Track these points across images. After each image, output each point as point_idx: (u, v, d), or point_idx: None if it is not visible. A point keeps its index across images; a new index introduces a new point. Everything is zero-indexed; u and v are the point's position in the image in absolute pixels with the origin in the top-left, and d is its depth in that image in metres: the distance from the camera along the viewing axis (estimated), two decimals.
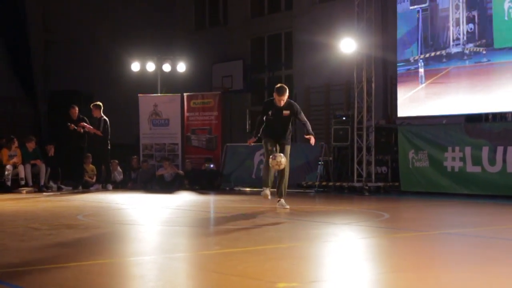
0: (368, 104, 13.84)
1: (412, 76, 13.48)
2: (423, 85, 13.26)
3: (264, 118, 9.59)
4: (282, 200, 9.62)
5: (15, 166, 14.46)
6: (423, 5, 13.32)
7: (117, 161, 16.04)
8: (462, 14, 12.63)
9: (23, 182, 14.39)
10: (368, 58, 13.81)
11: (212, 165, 15.94)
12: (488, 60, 12.23)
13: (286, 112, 9.45)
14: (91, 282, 4.32)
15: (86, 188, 14.92)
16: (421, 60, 13.29)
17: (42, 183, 14.62)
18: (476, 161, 12.00)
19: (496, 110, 12.29)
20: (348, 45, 14.00)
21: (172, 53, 18.35)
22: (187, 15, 22.46)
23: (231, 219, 8.48)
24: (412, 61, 13.47)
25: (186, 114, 16.96)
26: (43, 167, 14.68)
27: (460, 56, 12.70)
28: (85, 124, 14.79)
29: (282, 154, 9.27)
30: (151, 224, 8.10)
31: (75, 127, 14.69)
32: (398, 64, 13.79)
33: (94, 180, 15.40)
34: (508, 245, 6.19)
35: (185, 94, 17.08)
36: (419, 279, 4.39)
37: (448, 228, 7.65)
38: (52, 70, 19.94)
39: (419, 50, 13.35)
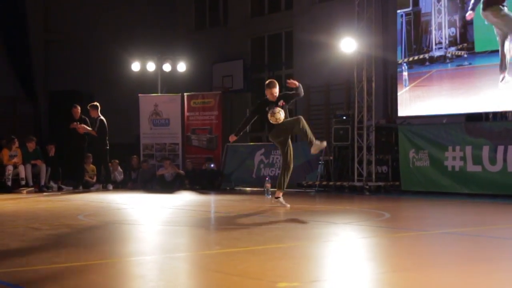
0: (369, 103, 13.84)
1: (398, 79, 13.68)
2: (407, 88, 13.37)
3: (255, 117, 9.75)
4: (281, 198, 9.59)
5: (15, 166, 14.47)
6: (406, 10, 13.44)
7: (117, 161, 16.05)
8: (444, 18, 12.74)
9: (23, 182, 14.40)
10: (368, 58, 13.81)
11: (212, 165, 15.94)
12: (470, 64, 12.34)
13: (282, 102, 9.50)
14: (91, 282, 4.31)
15: (87, 188, 14.93)
16: (404, 64, 13.39)
17: (42, 183, 14.64)
18: (477, 160, 11.99)
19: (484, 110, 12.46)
20: (348, 44, 14.00)
21: (172, 53, 18.35)
22: (187, 15, 22.46)
23: (231, 218, 8.48)
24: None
25: (186, 114, 16.97)
26: (43, 167, 14.69)
27: (442, 59, 12.81)
28: (78, 125, 14.76)
29: (281, 110, 9.21)
30: (152, 224, 8.10)
31: (77, 126, 14.70)
32: None
33: (94, 180, 15.40)
34: (509, 245, 6.19)
35: (185, 94, 17.09)
36: (420, 278, 4.39)
37: (449, 227, 7.65)
38: (53, 70, 19.96)
39: (403, 53, 13.45)
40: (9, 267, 4.76)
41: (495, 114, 12.50)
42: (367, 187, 13.32)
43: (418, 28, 13.24)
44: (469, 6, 12.35)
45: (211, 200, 12.25)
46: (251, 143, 17.72)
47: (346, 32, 14.31)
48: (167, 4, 22.13)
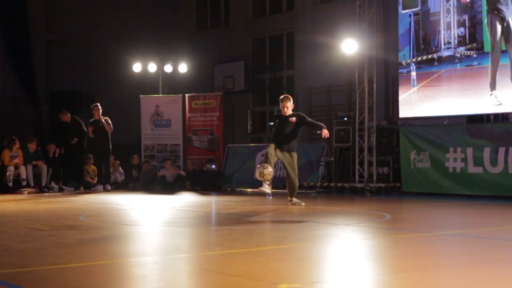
0: (370, 105, 13.84)
1: (404, 79, 13.57)
2: (415, 88, 13.32)
3: (273, 130, 10.18)
4: (294, 199, 10.06)
5: (16, 167, 14.47)
6: (415, 9, 13.39)
7: (118, 162, 16.06)
8: (453, 18, 12.70)
9: (24, 183, 14.41)
10: (370, 59, 13.81)
11: (213, 166, 15.94)
12: (479, 64, 12.29)
13: (292, 119, 9.90)
14: (92, 282, 4.31)
15: (88, 188, 14.94)
16: (413, 64, 13.36)
17: (43, 183, 14.64)
18: (478, 162, 11.99)
19: (493, 111, 12.34)
20: (349, 45, 14.00)
21: (173, 54, 18.36)
22: (188, 16, 22.47)
23: (232, 220, 8.49)
24: (404, 64, 13.56)
25: (187, 115, 16.97)
26: (44, 168, 14.70)
27: (451, 59, 12.77)
28: (75, 140, 15.17)
29: (270, 169, 9.35)
30: (153, 225, 8.10)
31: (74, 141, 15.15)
32: None
33: (95, 181, 15.41)
34: (510, 246, 6.18)
35: (186, 95, 17.09)
36: (421, 279, 4.39)
37: (450, 229, 7.65)
38: (54, 71, 19.96)
39: (411, 53, 13.41)
40: (10, 268, 4.77)
41: (496, 115, 12.48)
42: (368, 188, 13.31)
43: (427, 28, 13.21)
44: (478, 5, 12.28)
45: (212, 201, 12.25)
46: (252, 144, 17.73)
47: (347, 33, 14.31)
48: (169, 5, 22.13)
